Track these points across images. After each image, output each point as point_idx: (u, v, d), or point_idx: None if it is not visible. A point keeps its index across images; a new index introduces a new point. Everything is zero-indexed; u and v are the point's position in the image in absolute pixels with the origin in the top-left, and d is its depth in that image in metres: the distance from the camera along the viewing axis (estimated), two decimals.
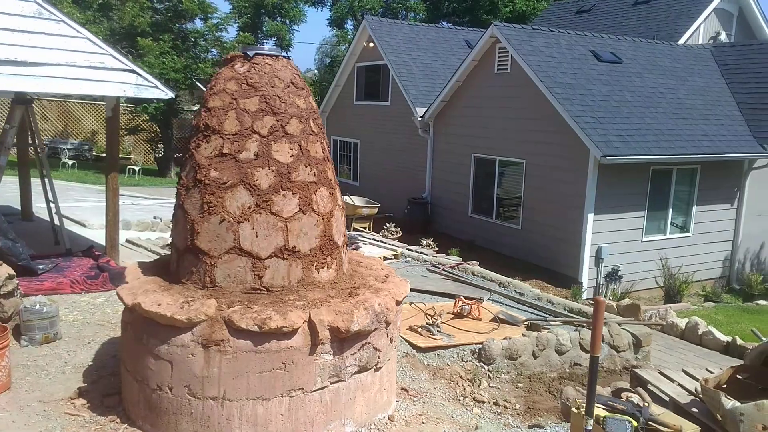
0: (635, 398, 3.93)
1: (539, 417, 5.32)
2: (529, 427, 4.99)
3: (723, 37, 18.82)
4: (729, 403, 3.74)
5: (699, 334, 8.03)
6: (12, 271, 5.68)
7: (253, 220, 4.14)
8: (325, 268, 4.41)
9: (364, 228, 14.55)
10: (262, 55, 4.38)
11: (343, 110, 20.09)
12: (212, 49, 24.26)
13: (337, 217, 4.52)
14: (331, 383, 4.11)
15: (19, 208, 10.60)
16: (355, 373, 4.23)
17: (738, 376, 4.28)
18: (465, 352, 6.18)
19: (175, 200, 4.41)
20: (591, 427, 3.03)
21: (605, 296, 11.74)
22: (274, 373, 3.91)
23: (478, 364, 6.07)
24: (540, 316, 7.46)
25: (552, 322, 7.00)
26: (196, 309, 3.90)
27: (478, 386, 5.79)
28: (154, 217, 11.92)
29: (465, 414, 5.06)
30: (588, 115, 11.55)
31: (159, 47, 21.90)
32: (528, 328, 6.87)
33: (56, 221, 8.85)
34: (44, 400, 4.58)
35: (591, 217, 11.48)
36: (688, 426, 3.60)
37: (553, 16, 23.59)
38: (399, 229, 13.75)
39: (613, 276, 11.84)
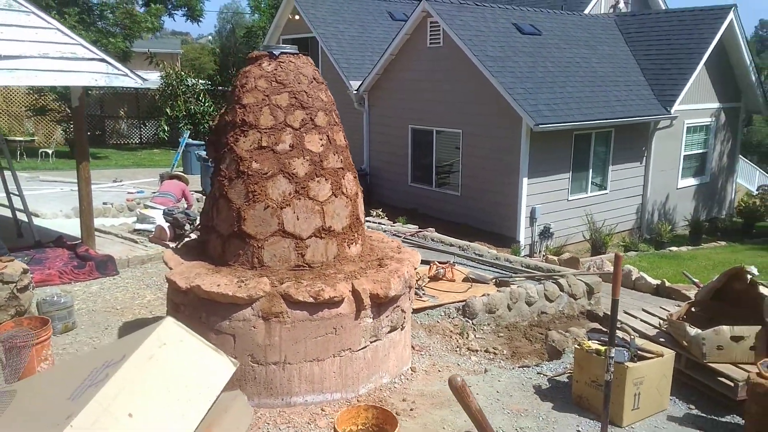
0: (619, 334, 4.84)
1: (524, 359, 6.19)
2: (520, 367, 5.83)
3: (621, 5, 20.45)
4: (693, 331, 4.71)
5: (633, 279, 9.28)
6: (26, 266, 5.80)
7: (294, 205, 4.63)
8: (354, 243, 4.98)
9: None
10: (286, 53, 4.80)
11: None
12: (123, 22, 23.26)
13: (360, 198, 5.08)
14: (371, 342, 4.74)
15: None
16: (388, 332, 4.88)
17: (692, 310, 5.32)
18: (450, 310, 6.95)
19: (214, 191, 4.79)
20: (614, 355, 3.84)
21: (540, 252, 12.96)
22: (326, 338, 4.48)
23: (463, 319, 6.86)
24: (503, 273, 8.37)
25: (516, 278, 7.92)
26: (253, 287, 4.38)
27: (467, 338, 6.58)
28: (104, 203, 11.77)
29: (467, 361, 5.85)
30: (518, 86, 12.52)
31: (65, 23, 20.76)
32: (497, 285, 7.74)
33: (16, 214, 8.74)
34: None
35: (525, 181, 12.56)
36: (667, 351, 4.53)
37: None
38: None
39: (545, 233, 13.06)
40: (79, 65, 7.21)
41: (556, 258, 10.51)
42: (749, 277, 4.86)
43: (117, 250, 8.43)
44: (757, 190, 22.20)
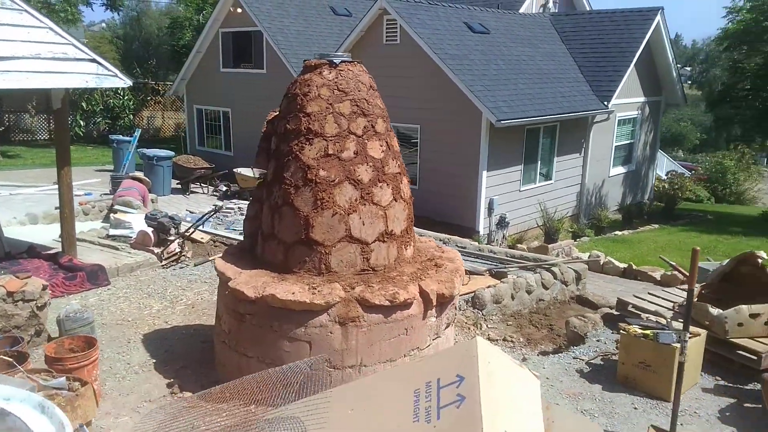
0: (660, 320, 5.33)
1: (541, 345, 6.58)
2: (540, 354, 6.21)
3: (551, 4, 21.43)
4: (715, 311, 5.27)
5: (601, 264, 9.98)
6: (45, 282, 5.50)
7: (360, 211, 4.73)
8: (409, 245, 5.15)
9: None
10: (345, 61, 4.86)
11: (208, 78, 19.47)
12: (40, 11, 21.73)
13: (411, 201, 5.24)
14: (433, 340, 4.94)
15: None
16: (445, 328, 5.10)
17: (703, 292, 5.90)
18: (459, 302, 7.25)
19: (275, 199, 4.78)
20: (687, 338, 4.23)
21: (497, 241, 13.55)
22: (399, 338, 4.64)
23: (473, 310, 7.19)
24: (490, 264, 8.76)
25: (509, 269, 8.34)
26: (328, 293, 4.45)
27: (481, 329, 6.92)
28: (56, 208, 11.07)
29: None
30: (477, 84, 12.98)
31: None
32: (492, 275, 8.13)
33: None
34: (150, 399, 4.78)
35: (485, 174, 13.07)
36: (701, 331, 5.05)
37: None
38: None
39: (502, 223, 13.65)
40: (71, 66, 6.84)
41: (525, 246, 11.08)
42: (760, 261, 5.46)
43: (99, 258, 8.05)
44: (666, 175, 24.17)
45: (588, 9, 21.23)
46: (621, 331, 5.11)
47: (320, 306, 4.40)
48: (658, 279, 9.29)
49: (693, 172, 27.69)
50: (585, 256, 10.42)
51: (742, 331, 5.21)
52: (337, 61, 4.80)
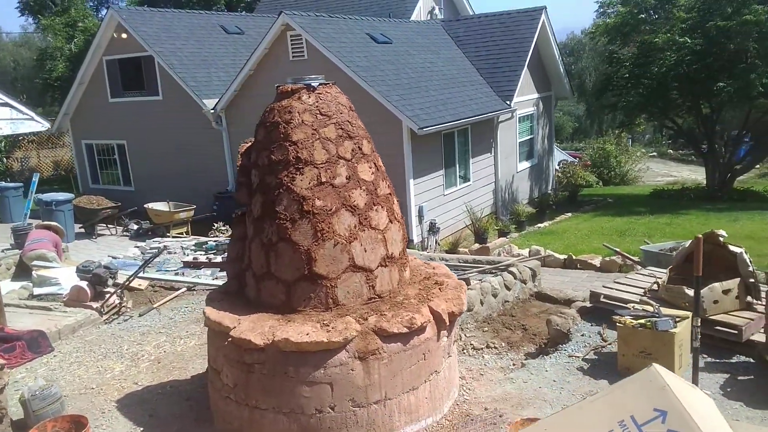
0: (646, 308, 5.52)
1: (523, 347, 6.64)
2: (527, 356, 6.28)
3: (437, 11, 22.05)
4: (691, 291, 5.55)
5: (543, 257, 10.31)
6: (3, 361, 4.78)
7: (360, 238, 4.51)
8: (406, 266, 5.00)
9: (181, 234, 13.95)
10: (321, 83, 4.63)
11: (95, 110, 18.12)
12: None
13: (404, 220, 5.09)
14: (445, 360, 4.81)
15: None
16: (452, 346, 4.99)
17: (671, 275, 6.21)
18: None
19: (267, 236, 4.45)
20: (699, 324, 4.39)
21: (431, 248, 13.65)
22: (419, 365, 4.47)
23: None
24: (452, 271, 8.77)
25: (469, 274, 8.38)
26: (343, 328, 4.21)
27: (461, 339, 6.87)
28: None
29: (488, 360, 6.13)
30: (393, 94, 13.03)
31: None
32: None
33: None
34: None
35: (412, 182, 13.14)
36: (688, 313, 5.28)
37: None
38: (227, 227, 13.60)
39: (433, 229, 13.78)
40: None
41: (467, 250, 11.23)
42: (721, 239, 5.82)
43: (32, 322, 7.17)
44: (558, 165, 25.61)
45: (471, 13, 22.08)
46: (618, 323, 5.24)
47: (338, 343, 4.14)
48: (598, 266, 9.74)
49: (578, 159, 29.55)
50: (525, 252, 10.73)
51: (718, 308, 5.52)
52: (315, 84, 4.57)
